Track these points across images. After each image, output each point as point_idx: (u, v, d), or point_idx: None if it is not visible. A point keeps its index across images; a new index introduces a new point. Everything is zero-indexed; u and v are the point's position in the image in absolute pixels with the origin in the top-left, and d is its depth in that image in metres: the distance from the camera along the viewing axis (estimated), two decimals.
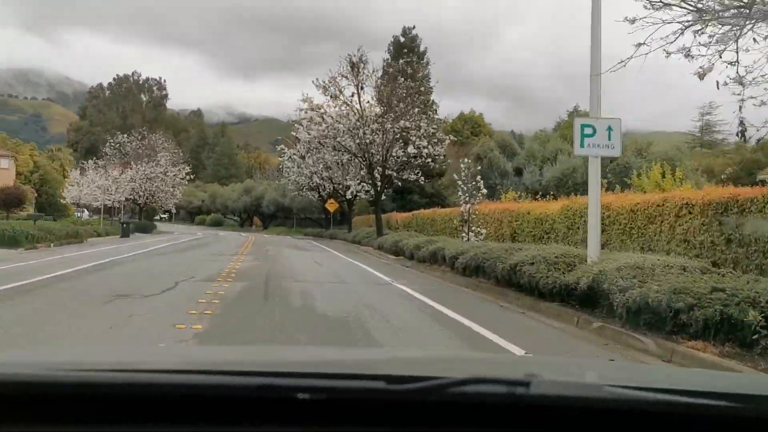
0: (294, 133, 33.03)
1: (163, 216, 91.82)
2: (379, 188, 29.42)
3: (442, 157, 30.67)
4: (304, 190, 37.75)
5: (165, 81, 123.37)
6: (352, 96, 28.34)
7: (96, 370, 1.30)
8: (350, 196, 34.61)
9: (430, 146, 28.19)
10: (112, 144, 50.31)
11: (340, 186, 35.49)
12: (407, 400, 1.11)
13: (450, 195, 31.85)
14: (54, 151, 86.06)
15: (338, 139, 29.20)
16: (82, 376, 1.21)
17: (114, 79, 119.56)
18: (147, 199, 48.82)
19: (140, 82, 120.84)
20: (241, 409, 1.11)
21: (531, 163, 31.77)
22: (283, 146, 37.79)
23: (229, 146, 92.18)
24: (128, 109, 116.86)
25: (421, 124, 28.00)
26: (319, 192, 37.75)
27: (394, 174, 29.24)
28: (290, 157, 36.31)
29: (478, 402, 1.12)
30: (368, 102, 28.82)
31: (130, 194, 46.85)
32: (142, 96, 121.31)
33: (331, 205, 36.96)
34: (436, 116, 32.94)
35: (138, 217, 49.10)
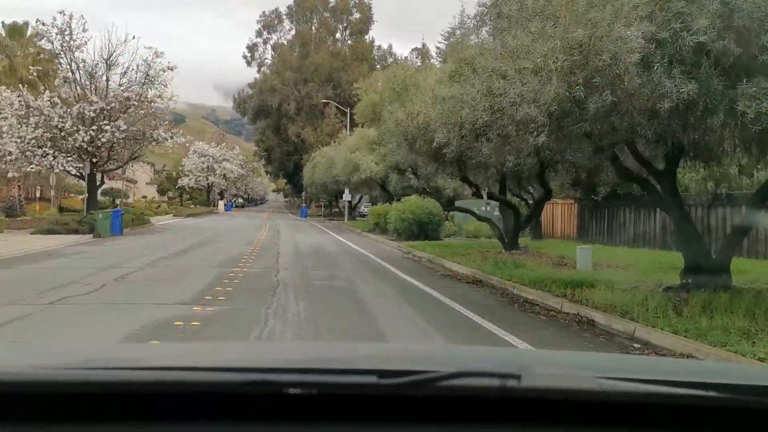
0: None
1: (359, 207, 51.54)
2: None
3: None
4: None
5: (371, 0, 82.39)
6: None
7: (81, 368, 1.31)
8: None
9: None
10: None
11: None
12: (398, 394, 1.15)
13: None
14: None
15: None
16: (66, 374, 1.24)
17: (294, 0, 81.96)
18: None
19: (330, 3, 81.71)
20: (232, 405, 1.14)
21: None
22: None
23: None
24: (313, 42, 78.54)
25: None
26: None
27: None
28: None
29: (469, 395, 1.16)
30: None
31: None
32: (336, 23, 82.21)
33: None
34: None
35: None
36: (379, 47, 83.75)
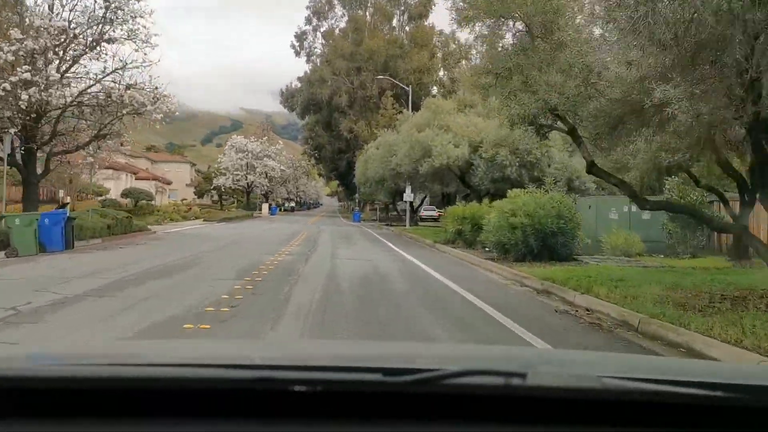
0: None
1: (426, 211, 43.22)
2: None
3: None
4: None
5: None
6: None
7: (86, 364, 1.29)
8: None
9: None
10: None
11: None
12: (403, 391, 1.14)
13: None
14: None
15: None
16: (71, 370, 1.22)
17: None
18: None
19: None
20: (238, 402, 1.12)
21: None
22: None
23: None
24: (367, 29, 70.14)
25: None
26: None
27: None
28: None
29: (473, 394, 1.14)
30: None
31: None
32: (392, 8, 73.31)
33: None
34: None
35: None
36: (441, 32, 74.21)
